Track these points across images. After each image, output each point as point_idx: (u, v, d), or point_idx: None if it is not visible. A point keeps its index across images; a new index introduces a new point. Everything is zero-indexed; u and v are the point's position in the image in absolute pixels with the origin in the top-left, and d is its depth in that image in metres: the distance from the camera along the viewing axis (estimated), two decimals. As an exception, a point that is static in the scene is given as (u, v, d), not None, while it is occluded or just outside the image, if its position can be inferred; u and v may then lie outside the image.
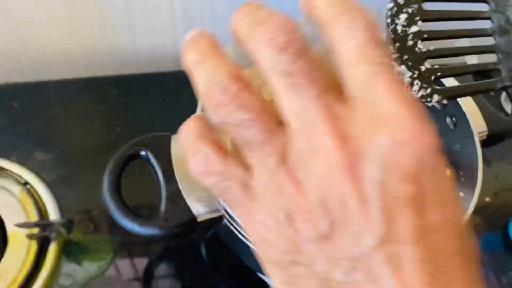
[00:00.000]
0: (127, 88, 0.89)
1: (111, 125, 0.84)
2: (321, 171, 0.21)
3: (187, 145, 0.25)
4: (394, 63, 0.23)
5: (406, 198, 0.20)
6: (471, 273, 0.22)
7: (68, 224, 0.71)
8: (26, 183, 0.76)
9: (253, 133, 0.23)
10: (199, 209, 0.52)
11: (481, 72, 0.37)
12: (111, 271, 0.69)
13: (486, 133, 0.62)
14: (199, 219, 0.53)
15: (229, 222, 0.53)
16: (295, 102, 0.22)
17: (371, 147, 0.20)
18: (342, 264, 0.21)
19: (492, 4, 0.37)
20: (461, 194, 0.63)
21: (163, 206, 0.52)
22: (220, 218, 0.55)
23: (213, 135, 0.24)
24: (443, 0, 0.37)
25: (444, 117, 0.65)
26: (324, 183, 0.21)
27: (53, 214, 0.73)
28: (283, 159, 0.22)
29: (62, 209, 0.74)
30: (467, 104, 0.63)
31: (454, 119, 0.64)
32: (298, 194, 0.22)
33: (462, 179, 0.63)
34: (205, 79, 0.23)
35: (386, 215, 0.20)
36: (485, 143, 0.63)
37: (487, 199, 0.79)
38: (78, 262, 0.70)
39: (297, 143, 0.22)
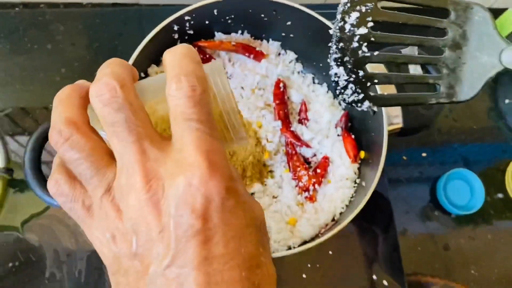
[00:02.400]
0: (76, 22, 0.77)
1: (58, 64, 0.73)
2: (134, 204, 0.23)
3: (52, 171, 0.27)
4: (209, 119, 0.24)
5: (193, 230, 0.22)
6: None
7: (8, 171, 0.65)
8: (-29, 121, 0.66)
9: (83, 168, 0.24)
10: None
11: (418, 84, 0.31)
12: (52, 210, 0.65)
13: (401, 125, 0.59)
14: None
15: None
16: (117, 146, 0.24)
17: (170, 187, 0.23)
18: (145, 278, 0.23)
19: (453, 14, 0.30)
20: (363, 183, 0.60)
21: None
22: None
23: (68, 165, 0.25)
24: (403, 3, 0.30)
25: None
26: (136, 213, 0.23)
27: (-1, 156, 0.65)
28: (108, 191, 0.24)
29: (7, 149, 0.66)
30: None
31: (374, 108, 0.58)
32: (118, 220, 0.24)
33: (370, 167, 0.60)
34: (52, 122, 0.25)
35: (177, 243, 0.22)
36: (400, 134, 0.61)
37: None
38: (21, 200, 0.65)
39: (120, 179, 0.24)
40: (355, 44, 0.29)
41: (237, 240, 0.23)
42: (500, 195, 0.80)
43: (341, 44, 0.29)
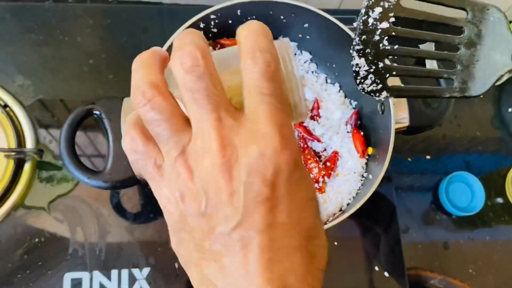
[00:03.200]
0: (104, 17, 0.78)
1: (87, 55, 0.75)
2: (206, 166, 0.23)
3: (125, 127, 0.27)
4: (281, 94, 0.25)
5: (262, 197, 0.23)
6: (307, 268, 0.24)
7: (39, 152, 0.67)
8: (5, 105, 0.68)
9: (162, 129, 0.25)
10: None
11: (434, 78, 0.33)
12: (77, 191, 0.66)
13: (408, 124, 0.59)
14: (139, 177, 0.49)
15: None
16: (195, 112, 0.24)
17: (244, 155, 0.23)
18: (211, 237, 0.24)
19: (470, 14, 0.31)
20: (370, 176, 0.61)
21: (109, 163, 0.49)
22: None
23: (148, 124, 0.26)
24: (424, 1, 0.31)
25: (376, 102, 0.62)
26: (208, 175, 0.23)
27: (29, 137, 0.67)
28: (183, 152, 0.25)
29: (37, 132, 0.68)
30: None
31: (382, 107, 0.60)
32: (190, 180, 0.24)
33: (376, 162, 0.61)
34: (133, 83, 0.26)
35: (245, 207, 0.23)
36: (406, 132, 0.61)
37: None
38: (49, 181, 0.67)
39: (195, 143, 0.24)
40: (376, 37, 0.30)
41: (299, 210, 0.24)
42: (499, 200, 0.81)
43: (364, 36, 0.30)
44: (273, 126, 0.23)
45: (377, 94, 0.32)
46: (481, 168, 0.82)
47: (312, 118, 0.67)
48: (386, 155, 0.56)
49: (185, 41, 0.25)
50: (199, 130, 0.24)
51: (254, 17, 0.64)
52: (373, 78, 0.31)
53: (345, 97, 0.69)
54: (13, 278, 0.61)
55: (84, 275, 0.62)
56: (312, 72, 0.70)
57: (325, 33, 0.64)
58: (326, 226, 0.54)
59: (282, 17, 0.64)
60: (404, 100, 0.59)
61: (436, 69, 0.34)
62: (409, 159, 0.82)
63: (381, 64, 0.31)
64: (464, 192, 0.79)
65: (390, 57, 0.31)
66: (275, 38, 0.70)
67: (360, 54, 0.30)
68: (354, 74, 0.31)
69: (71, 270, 0.62)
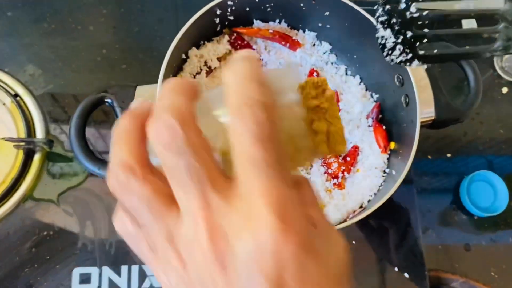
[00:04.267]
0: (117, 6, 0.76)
1: (100, 45, 0.72)
2: (199, 260, 0.21)
3: (115, 210, 0.24)
4: (278, 159, 0.20)
5: None
6: None
7: (49, 143, 0.65)
8: (16, 95, 0.66)
9: (142, 213, 0.22)
10: (154, 160, 0.47)
11: (474, 37, 0.29)
12: (87, 184, 0.64)
13: (434, 117, 0.56)
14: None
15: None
16: (179, 192, 0.21)
17: (239, 246, 0.20)
18: None
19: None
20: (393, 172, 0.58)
21: None
22: None
23: (128, 209, 0.23)
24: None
25: (400, 94, 0.58)
26: (201, 268, 0.21)
27: (39, 127, 0.64)
28: (170, 239, 0.22)
29: (47, 123, 0.66)
30: (422, 89, 0.56)
31: (407, 99, 0.57)
32: (183, 269, 0.21)
33: (400, 157, 0.58)
34: (109, 163, 0.23)
35: None
36: (431, 126, 0.58)
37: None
38: (59, 172, 0.64)
39: (182, 228, 0.21)
40: (402, 5, 0.27)
41: None
42: (523, 200, 0.77)
43: (388, 6, 0.27)
44: (269, 207, 0.19)
45: (408, 64, 0.29)
46: (504, 168, 0.78)
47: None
48: (410, 150, 0.52)
49: (163, 104, 0.21)
50: (186, 212, 0.21)
51: (272, 4, 0.61)
52: (401, 49, 0.28)
53: (366, 89, 0.66)
54: (20, 272, 0.59)
55: (93, 270, 0.60)
56: (332, 63, 0.67)
57: (347, 21, 0.61)
58: (346, 224, 0.51)
59: (301, 4, 0.61)
60: (430, 92, 0.56)
61: (474, 28, 0.31)
62: (429, 157, 0.78)
63: (409, 33, 0.28)
64: (487, 192, 0.76)
65: (420, 23, 0.28)
66: (295, 27, 0.69)
67: (385, 25, 0.27)
68: (380, 47, 0.29)
69: (80, 265, 0.60)
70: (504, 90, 0.83)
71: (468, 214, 0.74)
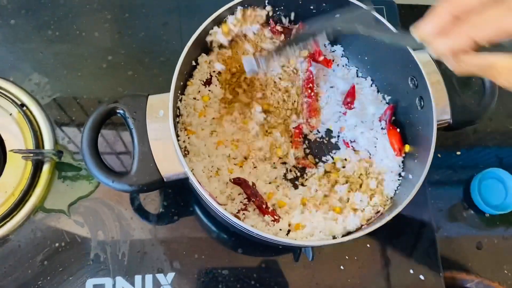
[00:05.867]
0: (122, 11, 0.74)
1: (105, 51, 0.70)
2: None
3: None
4: None
5: None
6: None
7: (58, 154, 0.63)
8: (22, 105, 0.64)
9: None
10: (167, 172, 0.47)
11: None
12: (97, 193, 0.63)
13: (450, 121, 0.56)
14: (166, 180, 0.47)
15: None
16: None
17: None
18: None
19: None
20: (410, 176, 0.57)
21: (134, 165, 0.46)
22: (186, 178, 0.48)
23: None
24: None
25: (414, 96, 0.56)
26: None
27: (47, 138, 0.63)
28: None
29: (55, 132, 0.64)
30: (437, 90, 0.55)
31: (422, 101, 0.55)
32: None
33: (416, 160, 0.56)
34: None
35: None
36: (446, 129, 0.57)
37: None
38: (68, 183, 0.63)
39: None
40: None
41: None
42: (535, 197, 0.76)
43: None
44: None
45: None
46: (515, 164, 0.77)
47: (346, 104, 0.63)
48: (427, 153, 0.51)
49: None
50: None
51: (282, 7, 0.60)
52: None
53: (378, 91, 0.65)
54: (33, 285, 0.57)
55: (106, 281, 0.58)
56: (343, 65, 0.65)
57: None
58: (364, 231, 0.49)
59: (311, 7, 0.59)
60: (445, 95, 0.54)
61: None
62: (439, 155, 0.77)
63: None
64: (498, 189, 0.74)
65: None
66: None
67: None
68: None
69: (93, 276, 0.58)
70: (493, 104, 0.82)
71: (479, 211, 0.73)
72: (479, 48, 0.32)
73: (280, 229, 0.53)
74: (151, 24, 0.73)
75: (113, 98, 0.47)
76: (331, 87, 0.64)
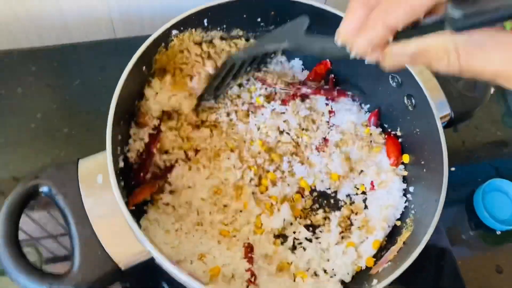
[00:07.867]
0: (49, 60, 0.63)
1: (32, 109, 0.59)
2: None
3: None
4: None
5: None
6: None
7: None
8: None
9: None
10: (122, 256, 0.34)
11: None
12: None
13: (451, 115, 0.50)
14: (123, 268, 0.34)
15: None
16: None
17: None
18: None
19: None
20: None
21: (76, 258, 0.33)
22: (151, 259, 0.35)
23: None
24: None
25: (400, 95, 0.50)
26: None
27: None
28: None
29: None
30: (427, 83, 0.48)
31: (412, 100, 0.49)
32: None
33: (425, 169, 0.49)
34: None
35: None
36: (448, 125, 0.52)
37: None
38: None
39: None
40: None
41: None
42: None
43: None
44: None
45: None
46: (512, 171, 0.71)
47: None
48: (440, 157, 0.45)
49: None
50: None
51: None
52: None
53: (353, 100, 0.58)
54: None
55: None
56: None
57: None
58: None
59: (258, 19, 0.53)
60: (437, 86, 0.49)
61: None
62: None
63: None
64: (503, 202, 0.67)
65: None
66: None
67: None
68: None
69: None
70: (491, 90, 0.78)
71: (489, 229, 0.65)
72: (401, 35, 0.29)
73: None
74: (86, 70, 0.62)
75: (31, 173, 0.34)
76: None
